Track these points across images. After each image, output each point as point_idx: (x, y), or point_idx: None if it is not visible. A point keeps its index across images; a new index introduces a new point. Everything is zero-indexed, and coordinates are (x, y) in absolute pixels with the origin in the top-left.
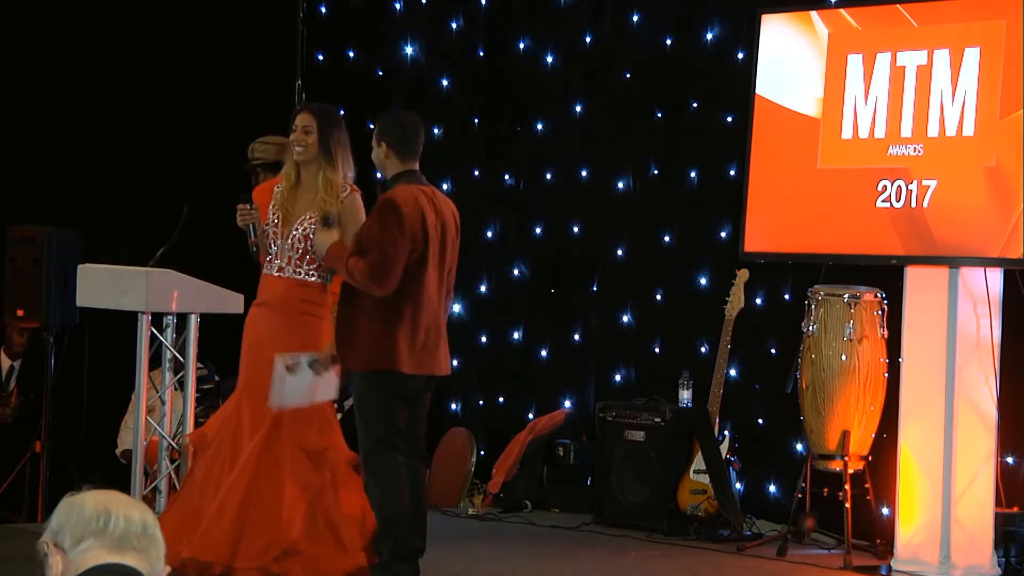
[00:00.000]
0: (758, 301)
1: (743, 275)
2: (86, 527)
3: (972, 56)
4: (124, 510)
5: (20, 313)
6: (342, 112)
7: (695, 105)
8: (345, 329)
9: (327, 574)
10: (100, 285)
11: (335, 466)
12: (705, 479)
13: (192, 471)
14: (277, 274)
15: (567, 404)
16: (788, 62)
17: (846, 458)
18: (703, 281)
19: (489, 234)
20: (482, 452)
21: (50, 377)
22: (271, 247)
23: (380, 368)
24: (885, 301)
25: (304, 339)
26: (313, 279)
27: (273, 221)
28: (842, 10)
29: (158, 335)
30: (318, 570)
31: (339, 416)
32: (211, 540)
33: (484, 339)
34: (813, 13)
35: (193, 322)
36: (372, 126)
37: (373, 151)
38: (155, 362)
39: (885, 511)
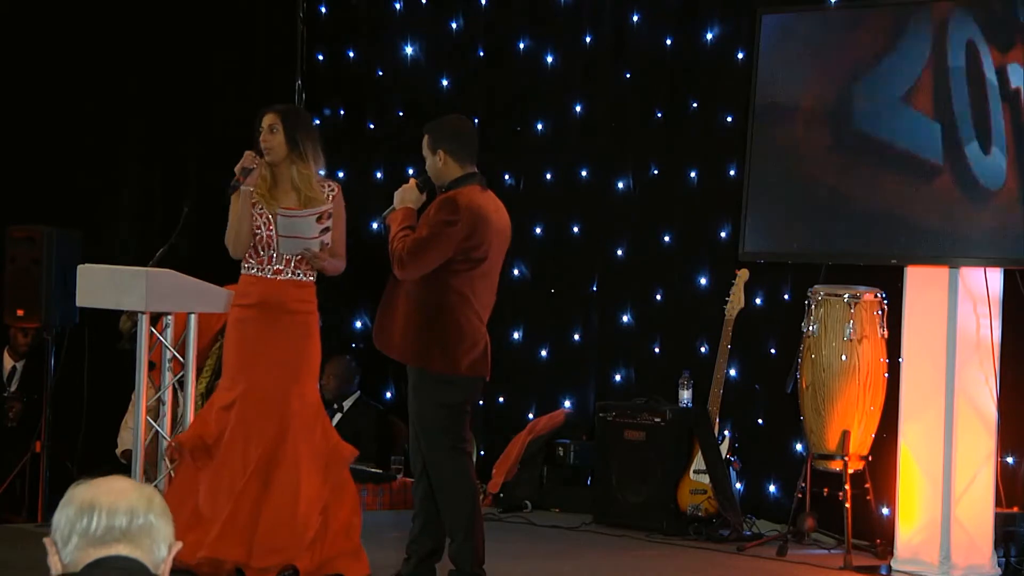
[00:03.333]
0: (758, 301)
1: (743, 275)
2: (72, 527)
3: None
4: (109, 503)
5: (20, 313)
6: (342, 112)
7: (695, 105)
8: (416, 327)
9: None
10: (100, 285)
11: (342, 464)
12: (705, 479)
13: (190, 475)
14: (273, 276)
15: (567, 404)
16: (789, 61)
17: (846, 458)
18: (703, 281)
19: None
20: (482, 452)
21: (50, 377)
22: (262, 251)
23: (456, 373)
24: (885, 301)
25: (302, 339)
26: (310, 279)
27: (266, 223)
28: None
29: (158, 335)
30: (331, 568)
31: (339, 416)
32: (226, 541)
33: None
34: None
35: (193, 322)
36: (425, 136)
37: (428, 161)
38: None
39: (885, 511)
